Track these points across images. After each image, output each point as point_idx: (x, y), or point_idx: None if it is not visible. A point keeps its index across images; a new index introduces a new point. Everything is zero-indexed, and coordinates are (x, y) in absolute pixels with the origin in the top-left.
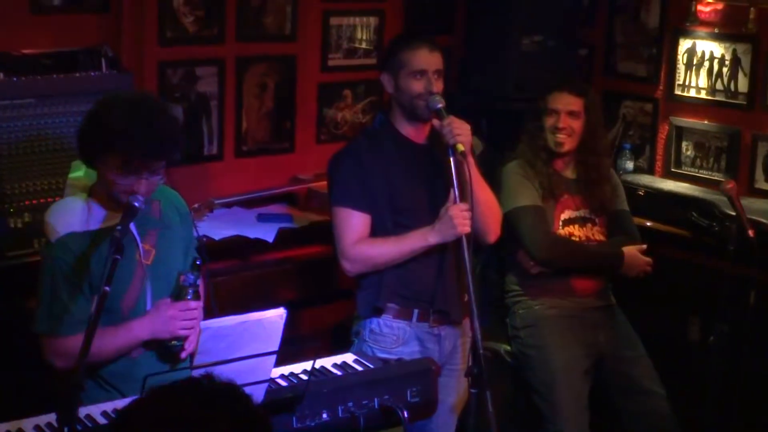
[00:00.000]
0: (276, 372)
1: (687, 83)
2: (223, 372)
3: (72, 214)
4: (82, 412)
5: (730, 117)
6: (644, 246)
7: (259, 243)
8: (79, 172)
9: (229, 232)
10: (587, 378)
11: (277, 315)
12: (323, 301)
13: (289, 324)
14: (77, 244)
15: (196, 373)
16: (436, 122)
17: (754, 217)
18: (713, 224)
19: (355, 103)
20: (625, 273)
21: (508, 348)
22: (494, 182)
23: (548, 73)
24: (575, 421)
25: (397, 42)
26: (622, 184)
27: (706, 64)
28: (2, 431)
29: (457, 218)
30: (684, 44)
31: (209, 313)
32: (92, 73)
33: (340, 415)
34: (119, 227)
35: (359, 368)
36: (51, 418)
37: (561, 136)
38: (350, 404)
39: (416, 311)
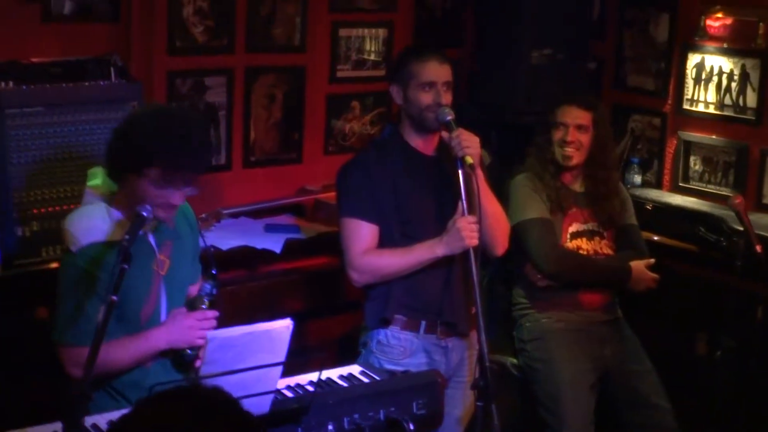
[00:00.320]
0: (282, 383)
1: (695, 98)
2: (230, 382)
3: (93, 223)
4: (88, 421)
5: (739, 132)
6: (652, 260)
7: (266, 253)
8: (96, 180)
9: (237, 243)
10: (593, 392)
11: (283, 326)
12: (330, 312)
13: (296, 335)
14: (100, 253)
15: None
16: (445, 134)
17: (761, 233)
18: (721, 239)
19: (363, 114)
20: (633, 287)
21: (515, 361)
22: (502, 195)
23: (557, 86)
24: None
25: (407, 54)
26: (630, 198)
27: (715, 78)
28: None
29: (465, 230)
30: (693, 59)
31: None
32: (101, 83)
33: (346, 426)
34: (127, 236)
35: (365, 380)
36: (57, 427)
37: (569, 150)
38: (356, 416)
39: (424, 323)
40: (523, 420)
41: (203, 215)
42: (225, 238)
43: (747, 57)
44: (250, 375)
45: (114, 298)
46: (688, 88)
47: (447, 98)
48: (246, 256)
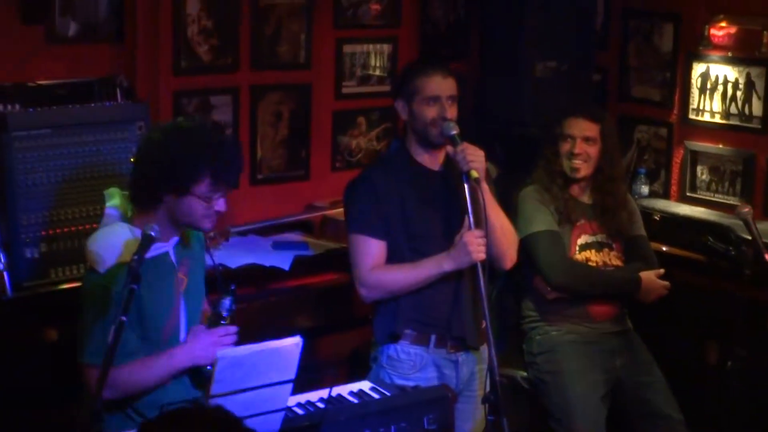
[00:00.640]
0: (293, 400)
1: (701, 107)
2: (240, 401)
3: (118, 243)
4: None
5: (745, 141)
6: (661, 271)
7: (275, 271)
8: (115, 201)
9: (245, 261)
10: (604, 403)
11: (293, 343)
12: (340, 329)
13: (306, 352)
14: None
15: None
16: (449, 149)
17: None
18: (729, 248)
19: (369, 130)
20: (643, 298)
21: (525, 374)
22: (510, 208)
23: (562, 98)
24: None
25: (411, 68)
26: (638, 209)
27: (720, 88)
28: None
29: (472, 245)
30: (698, 68)
31: None
32: (107, 104)
33: None
34: (136, 257)
35: (376, 396)
36: None
37: (577, 162)
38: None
39: (433, 337)
40: None
41: (211, 234)
42: (233, 256)
43: (752, 65)
44: (261, 393)
45: (123, 319)
46: (693, 97)
47: (452, 112)
48: (255, 274)
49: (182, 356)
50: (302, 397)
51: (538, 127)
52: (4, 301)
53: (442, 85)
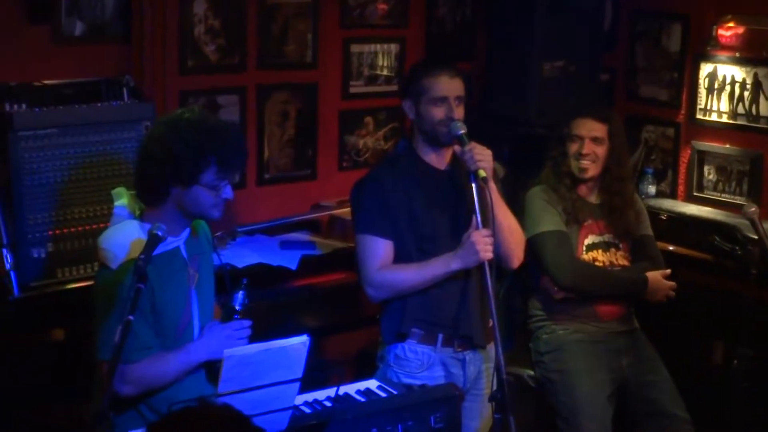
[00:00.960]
0: (300, 399)
1: (708, 107)
2: (248, 399)
3: (130, 239)
4: None
5: (752, 141)
6: (668, 271)
7: (282, 270)
8: (123, 200)
9: (252, 260)
10: (611, 402)
11: (300, 342)
12: (347, 328)
13: (313, 351)
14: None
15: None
16: (457, 148)
17: None
18: (736, 248)
19: (376, 129)
20: (649, 298)
21: (532, 373)
22: (517, 207)
23: (570, 98)
24: None
25: (418, 69)
26: (645, 209)
27: (728, 88)
28: None
29: (479, 244)
30: (705, 68)
31: None
32: (114, 103)
33: None
34: (142, 256)
35: (383, 394)
36: None
37: (585, 163)
38: (374, 430)
39: (441, 336)
40: None
41: (219, 233)
42: (241, 255)
43: (759, 66)
44: (268, 392)
45: (131, 318)
46: (700, 97)
47: (459, 112)
48: (262, 274)
49: (199, 350)
50: (309, 396)
51: (545, 128)
52: (11, 301)
53: (449, 85)
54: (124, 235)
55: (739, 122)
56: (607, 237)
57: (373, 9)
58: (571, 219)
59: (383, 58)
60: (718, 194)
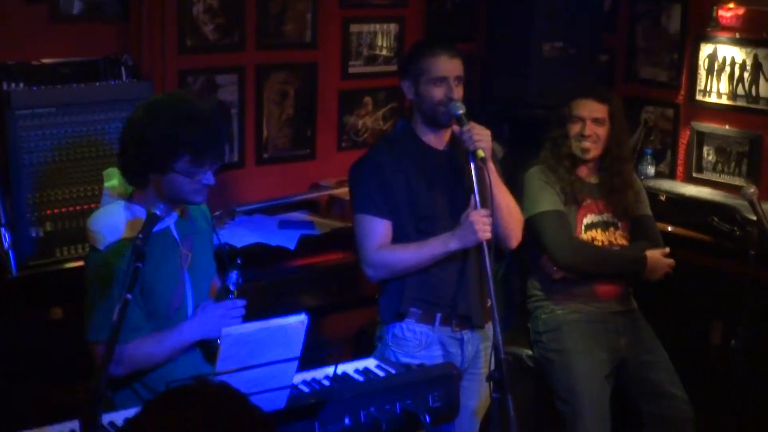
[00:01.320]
0: (298, 378)
1: (708, 88)
2: (246, 378)
3: (117, 221)
4: (105, 419)
5: (752, 122)
6: (667, 249)
7: (281, 250)
8: (113, 181)
9: (251, 240)
10: (609, 382)
11: (298, 321)
12: (345, 307)
13: (312, 330)
14: (127, 249)
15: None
16: (456, 128)
17: None
18: (734, 229)
19: (375, 110)
20: (648, 277)
21: (530, 353)
22: (516, 188)
23: (570, 79)
24: (597, 425)
25: (418, 49)
26: (644, 189)
27: (727, 69)
28: None
29: (478, 224)
30: (705, 49)
31: None
32: (112, 82)
33: (363, 420)
34: (140, 235)
35: (381, 374)
36: (74, 425)
37: (587, 144)
38: (372, 409)
39: (439, 315)
40: (538, 411)
41: (217, 213)
42: (239, 235)
43: (759, 47)
44: (266, 370)
45: (129, 296)
46: (700, 78)
47: (458, 92)
48: (260, 253)
49: (191, 330)
50: (308, 375)
51: (545, 108)
52: (9, 280)
53: (448, 65)
54: (112, 217)
55: (738, 103)
56: (605, 217)
57: None
58: (570, 199)
59: (383, 38)
60: (717, 175)
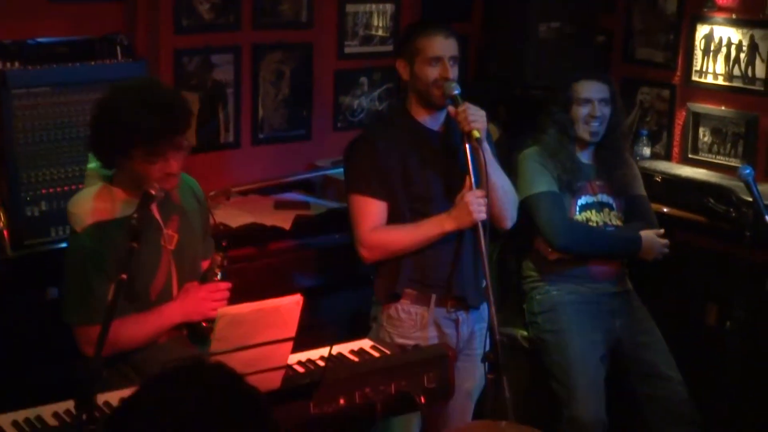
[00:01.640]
0: (293, 358)
1: (704, 69)
2: (241, 358)
3: (96, 203)
4: (101, 399)
5: (748, 103)
6: (661, 230)
7: (276, 230)
8: (95, 163)
9: (246, 220)
10: (604, 363)
11: (293, 301)
12: (341, 288)
13: (307, 311)
14: (105, 232)
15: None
16: (451, 109)
17: None
18: (730, 210)
19: (371, 90)
20: (643, 257)
21: (525, 333)
22: (511, 169)
23: (566, 60)
24: (592, 405)
25: (413, 29)
26: (639, 170)
27: (724, 50)
28: (21, 418)
29: (473, 205)
30: (701, 30)
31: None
32: (108, 62)
33: (357, 401)
34: (135, 215)
35: (376, 354)
36: (69, 405)
37: (596, 125)
38: (367, 390)
39: (434, 296)
40: (533, 392)
41: (212, 193)
42: (234, 215)
43: (756, 28)
44: (261, 351)
45: (124, 276)
46: (696, 59)
47: (453, 73)
48: (256, 233)
49: (173, 312)
50: (303, 355)
51: (541, 89)
52: (5, 260)
53: (444, 45)
54: (90, 199)
55: (734, 84)
56: (600, 197)
57: None
58: (565, 180)
59: (378, 18)
60: (713, 156)
